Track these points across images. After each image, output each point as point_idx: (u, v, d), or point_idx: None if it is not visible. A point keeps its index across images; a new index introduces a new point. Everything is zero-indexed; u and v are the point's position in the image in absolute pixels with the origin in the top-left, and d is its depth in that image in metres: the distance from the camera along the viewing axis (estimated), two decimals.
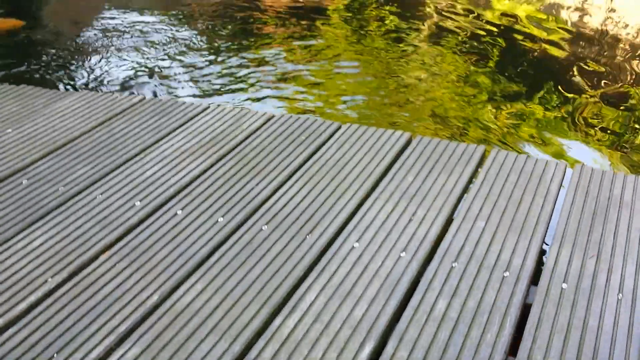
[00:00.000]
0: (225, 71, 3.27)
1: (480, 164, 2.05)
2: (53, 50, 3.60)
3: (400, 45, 3.72)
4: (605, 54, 3.63)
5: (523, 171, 1.99)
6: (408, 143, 2.15)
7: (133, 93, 2.97)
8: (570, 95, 3.11)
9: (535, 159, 2.06)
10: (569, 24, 4.17)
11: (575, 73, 3.39)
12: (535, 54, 3.73)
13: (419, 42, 3.78)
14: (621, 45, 3.75)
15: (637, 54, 3.60)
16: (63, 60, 3.40)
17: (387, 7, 4.36)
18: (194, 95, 3.00)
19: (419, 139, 2.16)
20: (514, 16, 4.27)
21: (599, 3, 4.48)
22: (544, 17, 4.25)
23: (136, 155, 2.02)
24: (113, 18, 4.04)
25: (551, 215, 1.77)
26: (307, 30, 3.93)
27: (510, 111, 2.95)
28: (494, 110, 2.96)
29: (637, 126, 2.85)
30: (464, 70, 3.38)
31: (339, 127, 2.23)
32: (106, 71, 3.27)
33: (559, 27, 4.12)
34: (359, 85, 3.22)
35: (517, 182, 1.92)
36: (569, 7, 4.45)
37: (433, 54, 3.60)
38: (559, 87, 3.20)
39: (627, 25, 4.03)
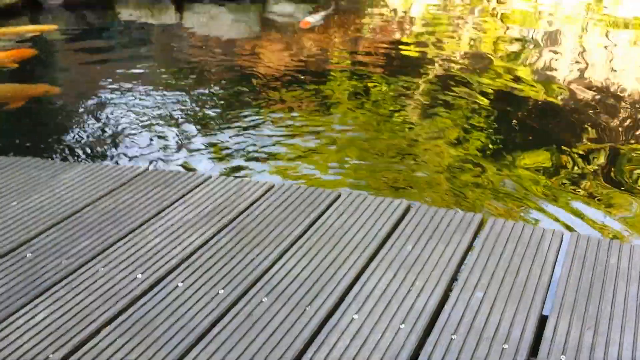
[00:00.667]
0: (226, 140, 3.34)
1: (477, 232, 2.08)
2: (62, 120, 3.69)
3: (400, 111, 3.81)
4: (604, 116, 3.70)
5: (520, 240, 2.02)
6: (406, 211, 2.18)
7: (137, 164, 3.02)
8: (569, 159, 3.16)
9: (532, 228, 2.09)
10: (568, 85, 4.27)
11: (575, 136, 3.46)
12: (534, 117, 3.81)
13: (417, 107, 3.87)
14: (621, 106, 3.84)
15: (635, 115, 3.69)
16: (71, 131, 3.48)
17: (387, 73, 4.48)
18: (197, 165, 3.06)
19: (417, 207, 2.20)
20: (513, 79, 4.38)
21: (598, 64, 4.61)
22: (542, 79, 4.36)
23: (139, 226, 2.05)
24: (120, 89, 4.15)
25: (549, 285, 1.79)
26: (308, 96, 4.03)
27: (509, 176, 3.00)
28: (492, 175, 3.01)
29: (634, 191, 2.89)
30: (462, 135, 3.45)
31: (339, 196, 2.27)
32: (112, 142, 3.34)
33: (558, 89, 4.22)
34: (360, 152, 3.28)
35: (514, 251, 1.95)
36: (567, 69, 4.57)
37: (432, 119, 3.68)
38: (559, 151, 3.26)
39: (625, 87, 4.13)
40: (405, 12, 6.74)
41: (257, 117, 3.67)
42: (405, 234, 2.03)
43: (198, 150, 3.23)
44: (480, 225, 2.11)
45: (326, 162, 3.13)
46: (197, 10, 6.64)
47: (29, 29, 5.63)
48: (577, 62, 4.84)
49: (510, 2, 7.22)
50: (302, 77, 4.37)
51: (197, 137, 3.40)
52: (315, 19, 5.32)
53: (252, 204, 2.20)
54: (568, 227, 2.58)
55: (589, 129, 3.54)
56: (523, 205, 2.75)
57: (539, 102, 3.99)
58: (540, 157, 3.21)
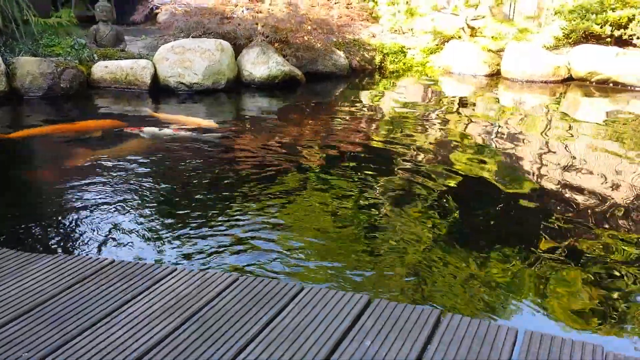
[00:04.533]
0: (192, 232, 3.39)
1: (435, 327, 2.13)
2: (31, 209, 3.73)
3: (364, 205, 3.92)
4: (567, 212, 3.85)
5: (476, 336, 2.08)
6: (366, 306, 2.24)
7: (103, 255, 3.06)
8: (529, 254, 3.27)
9: (488, 324, 2.16)
10: (531, 181, 4.45)
11: (537, 231, 3.59)
12: (497, 212, 3.95)
13: (382, 201, 3.98)
14: (582, 202, 4.00)
15: (596, 209, 3.85)
16: (39, 220, 3.51)
17: (354, 167, 4.63)
18: (162, 257, 3.10)
19: (378, 302, 2.26)
20: (477, 174, 4.56)
21: (559, 161, 4.83)
22: (506, 174, 4.55)
23: (102, 319, 2.07)
24: (89, 179, 4.22)
25: None
26: (274, 189, 4.14)
27: (470, 271, 3.08)
28: (454, 270, 3.09)
29: (592, 288, 2.98)
30: (426, 230, 3.55)
31: (301, 289, 2.32)
32: (81, 233, 3.37)
33: (522, 184, 4.40)
34: (323, 245, 3.35)
35: (470, 348, 2.00)
36: (529, 165, 4.77)
37: (396, 213, 3.79)
38: (521, 245, 3.37)
39: (585, 185, 4.32)
40: (372, 108, 7.02)
41: (223, 210, 3.75)
42: (364, 329, 2.08)
43: (164, 242, 3.27)
44: (438, 320, 2.17)
45: (290, 254, 3.20)
46: (173, 103, 6.86)
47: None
48: (538, 159, 5.07)
49: (473, 99, 7.59)
50: (269, 170, 4.50)
51: (163, 229, 3.45)
52: (153, 131, 5.38)
53: (215, 297, 2.24)
54: (525, 323, 2.64)
55: (551, 224, 3.67)
56: (481, 300, 2.82)
57: (503, 198, 4.14)
58: (503, 252, 3.31)
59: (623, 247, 3.40)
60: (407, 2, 9.67)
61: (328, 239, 3.43)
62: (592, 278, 3.05)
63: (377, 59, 8.81)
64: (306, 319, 2.12)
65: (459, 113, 6.85)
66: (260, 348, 1.94)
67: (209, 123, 5.64)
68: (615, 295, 2.93)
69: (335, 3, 9.02)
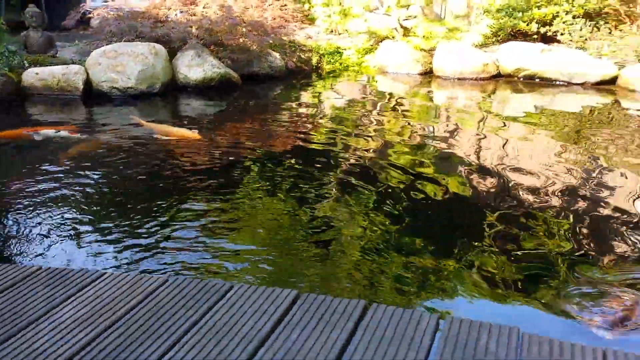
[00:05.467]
0: (126, 235, 3.38)
1: (361, 318, 2.20)
2: None
3: (303, 202, 3.98)
4: (501, 205, 4.00)
5: (400, 324, 2.16)
6: (295, 300, 2.29)
7: (30, 263, 3.01)
8: (460, 245, 3.39)
9: (412, 312, 2.24)
10: (467, 175, 4.60)
11: (469, 221, 3.73)
12: (433, 206, 4.07)
13: (321, 198, 4.05)
14: (517, 196, 4.17)
15: (525, 200, 4.02)
16: None
17: (296, 166, 4.69)
18: (91, 261, 3.07)
19: (306, 296, 2.31)
20: (415, 170, 4.69)
21: (494, 156, 5.01)
22: (443, 170, 4.69)
23: (26, 327, 2.05)
24: (25, 182, 4.13)
25: None
26: (211, 188, 4.15)
27: (401, 263, 3.18)
28: (384, 261, 3.18)
29: (513, 273, 3.12)
30: (364, 224, 3.64)
31: (231, 288, 2.35)
32: (5, 239, 3.31)
33: (458, 179, 4.54)
34: (256, 242, 3.39)
35: (393, 336, 2.08)
36: (465, 160, 4.93)
37: (334, 210, 3.86)
38: (454, 238, 3.50)
39: (519, 180, 4.50)
40: (310, 108, 7.09)
41: (155, 213, 3.74)
42: (292, 323, 2.13)
43: (95, 247, 3.24)
44: (364, 310, 2.24)
45: (223, 254, 3.22)
46: (107, 108, 6.76)
47: None
48: (472, 153, 5.24)
49: (409, 98, 7.77)
50: (205, 172, 4.50)
51: (94, 234, 3.42)
52: (48, 133, 5.33)
53: (144, 299, 2.25)
54: (447, 311, 2.75)
55: (483, 216, 3.82)
56: (409, 290, 2.92)
57: (438, 192, 4.28)
58: (435, 244, 3.42)
59: (548, 235, 3.57)
60: (340, 4, 9.80)
61: (262, 237, 3.47)
62: (515, 265, 3.19)
63: (314, 59, 8.90)
64: (235, 316, 2.16)
65: (395, 111, 7.00)
66: (187, 347, 1.96)
67: (193, 134, 5.45)
68: (534, 280, 3.07)
69: (269, 5, 9.06)
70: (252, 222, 3.69)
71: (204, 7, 8.36)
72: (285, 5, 9.49)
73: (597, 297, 2.88)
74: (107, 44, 7.45)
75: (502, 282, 3.06)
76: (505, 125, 6.32)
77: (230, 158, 4.88)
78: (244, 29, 7.99)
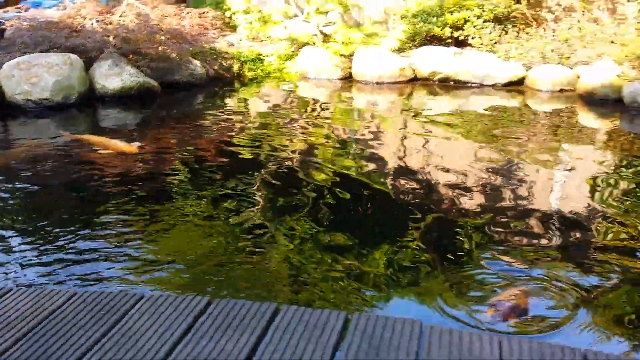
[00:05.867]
0: (36, 248, 3.32)
1: (271, 320, 2.27)
2: None
3: (234, 207, 4.01)
4: (425, 206, 4.16)
5: (308, 324, 2.24)
6: (206, 307, 2.33)
7: None
8: (383, 244, 3.51)
9: (320, 312, 2.32)
10: (392, 177, 4.74)
11: (396, 221, 3.86)
12: (359, 205, 4.18)
13: (246, 205, 4.09)
14: (441, 196, 4.34)
15: (448, 197, 4.19)
16: None
17: (222, 173, 4.72)
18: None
19: (217, 302, 2.36)
20: (342, 173, 4.81)
21: (417, 156, 5.18)
22: (369, 172, 4.81)
23: None
24: None
25: None
26: (138, 199, 4.12)
27: (320, 263, 3.27)
28: (302, 263, 3.26)
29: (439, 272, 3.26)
30: (289, 228, 3.70)
31: (141, 297, 2.37)
32: None
33: (383, 181, 4.67)
34: (180, 251, 3.41)
35: (301, 336, 2.16)
36: (390, 162, 5.08)
37: (265, 215, 3.91)
38: (379, 237, 3.62)
39: (442, 180, 4.68)
40: (233, 114, 7.11)
41: (72, 223, 3.69)
42: (202, 330, 2.17)
43: (3, 263, 3.17)
44: (275, 313, 2.31)
45: (141, 262, 3.22)
46: (21, 121, 6.56)
47: None
48: (394, 154, 5.41)
49: (331, 102, 7.92)
50: (131, 179, 4.47)
51: (2, 250, 3.34)
52: None
53: (52, 313, 2.24)
54: (358, 308, 2.86)
55: (405, 215, 3.96)
56: (317, 290, 3.01)
57: (365, 193, 4.41)
58: (357, 245, 3.53)
59: (470, 230, 3.74)
60: (259, 11, 9.85)
61: (182, 245, 3.49)
62: (426, 262, 3.34)
63: (235, 66, 8.91)
64: (144, 325, 2.18)
65: (318, 115, 7.12)
66: (94, 358, 1.97)
67: (130, 148, 5.26)
68: (438, 275, 3.22)
69: (188, 13, 9.01)
70: (174, 230, 3.70)
71: (120, 16, 8.23)
72: (205, 13, 9.45)
73: (492, 290, 3.06)
74: (20, 55, 7.22)
75: (409, 277, 3.19)
76: (424, 127, 6.55)
77: (155, 166, 4.85)
78: (162, 37, 7.92)
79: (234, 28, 10.21)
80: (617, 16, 8.68)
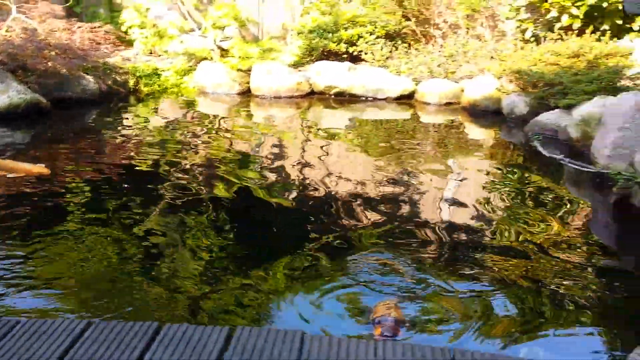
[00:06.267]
0: None
1: (152, 339, 2.28)
2: None
3: (132, 226, 3.96)
4: (323, 215, 4.28)
5: (190, 341, 2.28)
6: (87, 327, 2.32)
7: None
8: (280, 256, 3.58)
9: (203, 328, 2.37)
10: (293, 189, 4.82)
11: (296, 233, 3.94)
12: (261, 219, 4.25)
13: (151, 218, 4.05)
14: (340, 205, 4.47)
15: (360, 211, 4.32)
16: None
17: (120, 190, 4.64)
18: None
19: (97, 323, 2.35)
20: (243, 187, 4.86)
21: (315, 167, 5.29)
22: (269, 184, 4.87)
23: None
24: None
25: None
26: (35, 220, 4.00)
27: (212, 278, 3.30)
28: (194, 280, 3.29)
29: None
30: (188, 245, 3.70)
31: (17, 323, 2.32)
32: None
33: (286, 193, 4.74)
34: (70, 273, 3.34)
35: (183, 352, 2.19)
36: (291, 173, 5.16)
37: (165, 233, 3.88)
38: (279, 250, 3.70)
39: (340, 189, 4.80)
40: (130, 131, 6.99)
41: None
42: (79, 353, 2.16)
43: None
44: (157, 331, 2.33)
45: (11, 288, 3.13)
46: None
47: None
48: (297, 168, 5.51)
49: (230, 117, 7.95)
50: (20, 201, 4.32)
51: None
52: None
53: None
54: (240, 322, 2.93)
55: (304, 227, 4.04)
56: (202, 306, 3.05)
57: (268, 208, 4.46)
58: (253, 259, 3.59)
59: (366, 240, 3.88)
60: (154, 25, 9.75)
61: (62, 269, 3.41)
62: (317, 273, 3.45)
63: (131, 82, 8.76)
64: (17, 353, 2.14)
65: (218, 130, 7.13)
66: None
67: (41, 169, 5.05)
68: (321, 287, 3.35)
69: (78, 27, 8.78)
70: (62, 252, 3.61)
71: (6, 31, 7.91)
72: (97, 27, 9.23)
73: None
74: None
75: (300, 289, 3.29)
76: (322, 140, 6.72)
77: (48, 187, 4.69)
78: (52, 53, 7.67)
79: (130, 43, 10.05)
80: (496, 33, 9.28)
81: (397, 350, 2.33)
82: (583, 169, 5.09)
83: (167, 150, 6.02)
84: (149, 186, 4.86)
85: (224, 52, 9.35)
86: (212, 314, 3.02)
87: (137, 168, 5.41)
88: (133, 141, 6.44)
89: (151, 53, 10.03)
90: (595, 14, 7.76)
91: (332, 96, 8.78)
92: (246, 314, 3.06)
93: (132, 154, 5.89)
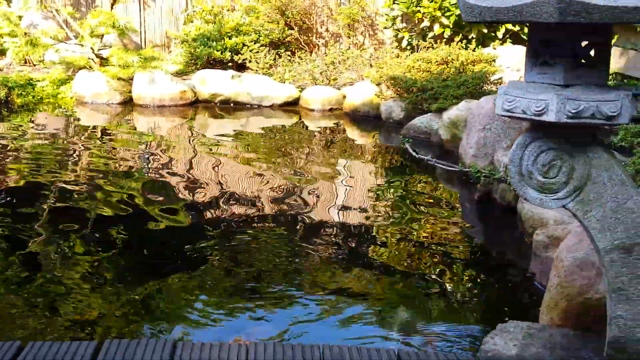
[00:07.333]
0: None
1: (94, 357, 2.26)
2: None
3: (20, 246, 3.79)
4: (217, 226, 4.27)
5: (57, 356, 2.25)
6: (19, 351, 2.25)
7: None
8: (173, 271, 3.55)
9: (69, 343, 2.35)
10: (182, 198, 4.77)
11: (188, 246, 3.92)
12: (154, 233, 4.17)
13: (36, 237, 3.89)
14: (233, 214, 4.47)
15: (244, 222, 4.33)
16: None
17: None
18: None
19: (31, 345, 2.31)
20: (129, 199, 4.75)
21: (206, 176, 5.26)
22: (161, 196, 4.79)
23: None
24: None
25: None
26: None
27: (130, 297, 3.24)
28: (116, 299, 3.22)
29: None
30: (78, 262, 3.59)
31: None
32: None
33: (175, 204, 4.68)
34: None
35: None
36: (178, 184, 5.10)
37: (54, 252, 3.75)
38: (170, 265, 3.67)
39: (236, 198, 4.80)
40: (6, 144, 6.65)
41: None
42: None
43: None
44: (98, 349, 2.31)
45: None
46: None
47: None
48: (186, 179, 5.45)
49: (111, 128, 7.75)
50: None
51: None
52: None
53: None
54: (110, 335, 2.91)
55: (199, 240, 4.00)
56: (69, 323, 3.00)
57: (156, 220, 4.38)
58: (141, 274, 3.55)
59: (257, 251, 3.93)
60: (25, 34, 9.33)
61: None
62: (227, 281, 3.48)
63: (2, 92, 8.34)
64: None
65: (100, 142, 6.93)
66: None
67: None
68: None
69: None
70: None
71: None
72: None
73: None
74: None
75: (181, 301, 3.31)
76: (209, 148, 6.72)
77: None
78: None
79: (3, 52, 9.56)
80: (375, 42, 9.67)
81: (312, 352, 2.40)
82: (449, 168, 5.43)
83: (44, 164, 5.79)
84: (25, 205, 4.66)
85: (103, 61, 9.09)
86: (81, 328, 2.98)
87: (11, 186, 5.17)
88: (7, 156, 6.13)
89: (26, 62, 9.59)
90: (463, 23, 8.27)
91: (217, 104, 8.78)
92: (116, 325, 3.03)
93: (4, 169, 5.62)
